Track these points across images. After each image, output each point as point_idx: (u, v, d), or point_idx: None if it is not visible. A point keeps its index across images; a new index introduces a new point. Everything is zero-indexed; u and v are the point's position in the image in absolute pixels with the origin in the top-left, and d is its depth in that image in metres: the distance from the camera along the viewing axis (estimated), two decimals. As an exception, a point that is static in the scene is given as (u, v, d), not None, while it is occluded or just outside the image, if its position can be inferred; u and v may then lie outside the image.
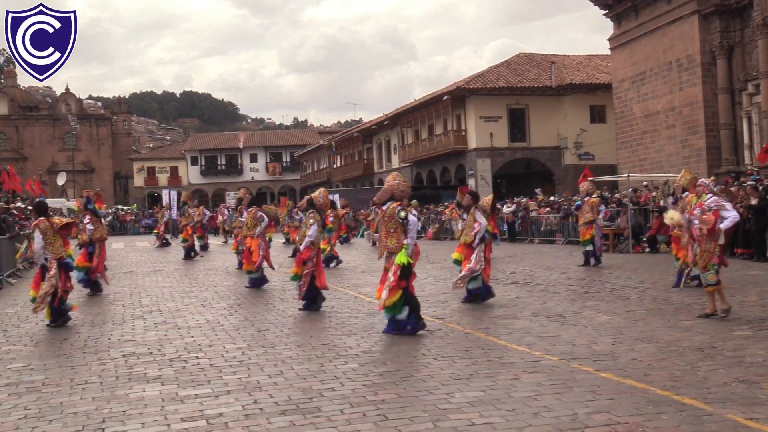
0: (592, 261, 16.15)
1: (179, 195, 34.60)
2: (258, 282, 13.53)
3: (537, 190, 32.15)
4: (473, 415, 5.20)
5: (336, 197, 27.04)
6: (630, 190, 22.95)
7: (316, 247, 10.64)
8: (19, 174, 59.16)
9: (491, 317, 9.50)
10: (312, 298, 10.53)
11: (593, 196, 16.49)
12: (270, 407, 5.58)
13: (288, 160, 75.29)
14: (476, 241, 10.72)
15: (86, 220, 13.61)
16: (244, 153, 75.85)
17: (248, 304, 11.48)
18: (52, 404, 5.91)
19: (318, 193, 11.37)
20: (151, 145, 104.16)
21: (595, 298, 11.13)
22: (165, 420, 5.36)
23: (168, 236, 31.08)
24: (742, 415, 5.04)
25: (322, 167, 64.94)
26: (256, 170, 75.55)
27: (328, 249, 17.44)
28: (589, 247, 16.15)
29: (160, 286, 14.35)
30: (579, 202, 16.88)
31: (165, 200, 41.24)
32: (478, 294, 10.87)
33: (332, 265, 17.69)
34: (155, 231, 31.70)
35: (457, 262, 12.93)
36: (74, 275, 13.55)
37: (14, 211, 21.03)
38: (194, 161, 75.76)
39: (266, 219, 13.56)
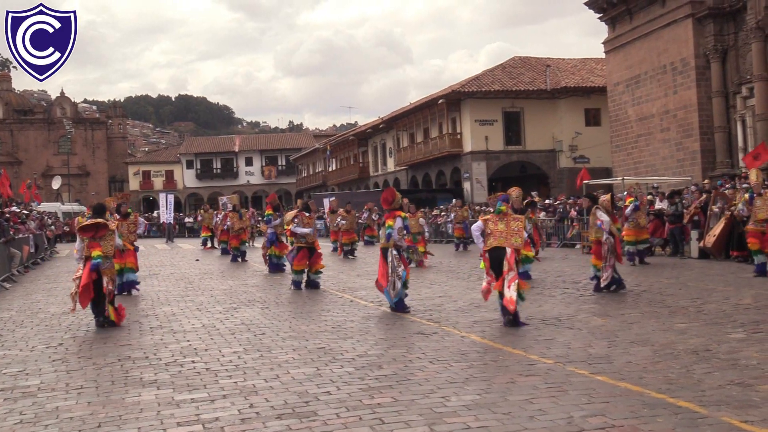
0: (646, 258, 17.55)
1: (176, 199, 34.22)
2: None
3: (533, 193, 32.16)
4: (469, 419, 5.21)
5: (332, 200, 27.01)
6: (625, 193, 22.97)
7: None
8: (14, 178, 59.26)
9: (486, 321, 9.51)
10: None
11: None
12: (266, 411, 5.58)
13: (283, 163, 75.32)
14: (605, 236, 11.77)
15: (141, 221, 14.48)
16: (239, 156, 75.82)
17: (244, 308, 11.47)
18: (47, 409, 5.90)
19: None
20: (147, 149, 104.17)
21: (590, 301, 11.15)
22: (161, 425, 5.35)
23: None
24: (737, 418, 5.06)
25: (317, 170, 64.94)
26: (251, 174, 75.54)
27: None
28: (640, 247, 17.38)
29: (155, 289, 14.32)
30: (637, 202, 17.74)
31: (161, 202, 40.99)
32: (615, 283, 11.94)
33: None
34: (203, 234, 30.52)
35: (528, 260, 14.38)
36: (131, 277, 13.80)
37: (8, 215, 20.97)
38: (190, 165, 75.74)
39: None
